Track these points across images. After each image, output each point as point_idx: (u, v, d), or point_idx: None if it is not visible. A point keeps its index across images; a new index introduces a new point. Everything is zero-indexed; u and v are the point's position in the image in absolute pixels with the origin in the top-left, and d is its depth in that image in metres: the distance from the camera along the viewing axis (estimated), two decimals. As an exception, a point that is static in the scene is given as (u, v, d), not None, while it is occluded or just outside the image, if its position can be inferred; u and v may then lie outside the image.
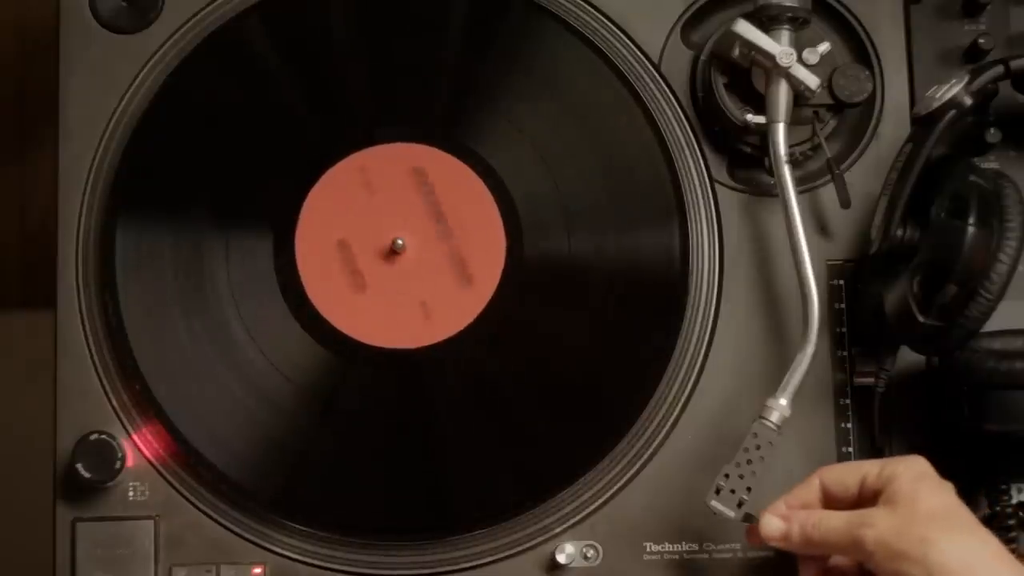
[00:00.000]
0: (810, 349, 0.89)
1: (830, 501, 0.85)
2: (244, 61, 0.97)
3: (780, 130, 0.92)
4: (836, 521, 0.82)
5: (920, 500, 0.80)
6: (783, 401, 0.89)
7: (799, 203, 0.91)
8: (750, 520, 0.87)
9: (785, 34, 0.92)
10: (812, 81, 0.91)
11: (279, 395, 0.92)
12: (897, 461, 0.83)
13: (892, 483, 0.82)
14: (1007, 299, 0.85)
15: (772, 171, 0.94)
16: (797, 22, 0.92)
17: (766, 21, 0.92)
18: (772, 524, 0.85)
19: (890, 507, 0.80)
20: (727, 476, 0.87)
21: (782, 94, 0.92)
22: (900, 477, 0.82)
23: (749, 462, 0.87)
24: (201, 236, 0.94)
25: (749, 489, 0.87)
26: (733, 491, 0.87)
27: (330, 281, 0.94)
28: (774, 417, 0.88)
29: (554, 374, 0.93)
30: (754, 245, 0.95)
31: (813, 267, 0.90)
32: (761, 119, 0.93)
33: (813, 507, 0.86)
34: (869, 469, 0.84)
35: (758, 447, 0.88)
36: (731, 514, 0.87)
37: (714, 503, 0.87)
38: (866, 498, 0.83)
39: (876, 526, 0.79)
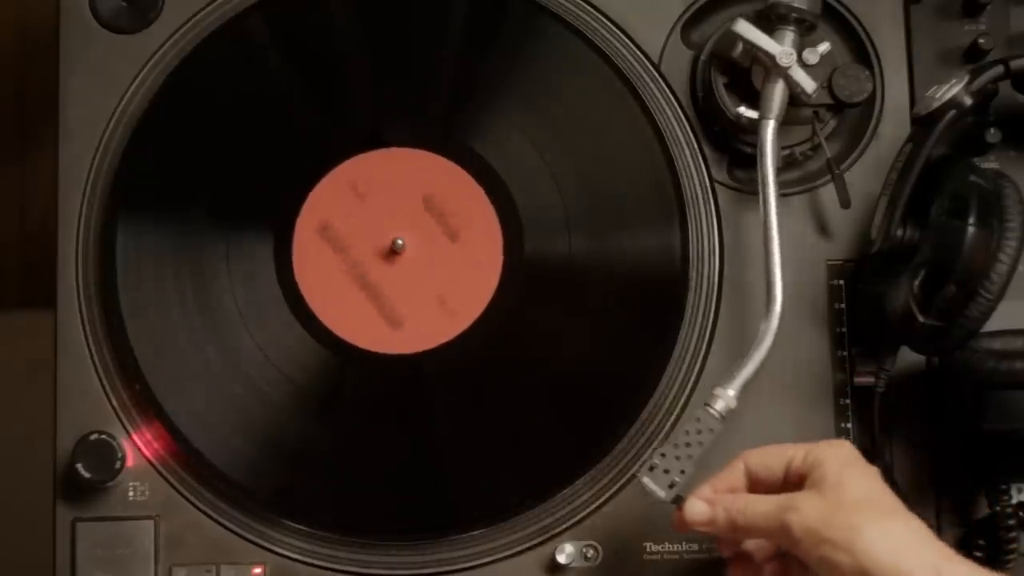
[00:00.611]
0: (766, 344, 0.89)
1: (755, 484, 0.85)
2: (244, 61, 0.97)
3: (770, 127, 0.91)
4: (762, 506, 0.81)
5: (846, 486, 0.80)
6: (731, 392, 0.88)
7: (780, 203, 0.91)
8: (679, 502, 0.86)
9: (789, 35, 0.92)
10: (809, 85, 0.91)
11: (279, 395, 0.93)
12: (823, 446, 0.83)
13: (818, 468, 0.81)
14: (1007, 299, 0.85)
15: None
16: (804, 25, 0.92)
17: (774, 19, 0.92)
18: (696, 508, 0.84)
19: (816, 492, 0.80)
20: (663, 455, 0.87)
21: (777, 93, 0.92)
22: (826, 462, 0.81)
23: (688, 445, 0.87)
24: (201, 236, 0.94)
25: (683, 472, 0.86)
26: (667, 471, 0.86)
27: (329, 282, 0.94)
28: (719, 406, 0.88)
29: (554, 374, 0.93)
30: (754, 245, 0.95)
31: (781, 266, 0.90)
32: (753, 114, 0.93)
33: (739, 491, 0.85)
34: (795, 453, 0.83)
35: (699, 432, 0.87)
36: (661, 494, 0.86)
37: (645, 479, 0.87)
38: (791, 482, 0.83)
39: (802, 511, 0.79)
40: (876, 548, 0.76)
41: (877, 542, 0.76)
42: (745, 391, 0.94)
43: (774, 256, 0.90)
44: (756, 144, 0.95)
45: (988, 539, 0.92)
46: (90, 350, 0.94)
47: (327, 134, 0.95)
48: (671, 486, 0.86)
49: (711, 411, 0.87)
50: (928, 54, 0.98)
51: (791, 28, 0.92)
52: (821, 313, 0.95)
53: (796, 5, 0.91)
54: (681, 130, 0.97)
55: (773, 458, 0.84)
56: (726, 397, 0.88)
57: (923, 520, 0.91)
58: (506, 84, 0.96)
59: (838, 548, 0.77)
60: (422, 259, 0.94)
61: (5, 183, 1.52)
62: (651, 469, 0.86)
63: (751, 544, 0.87)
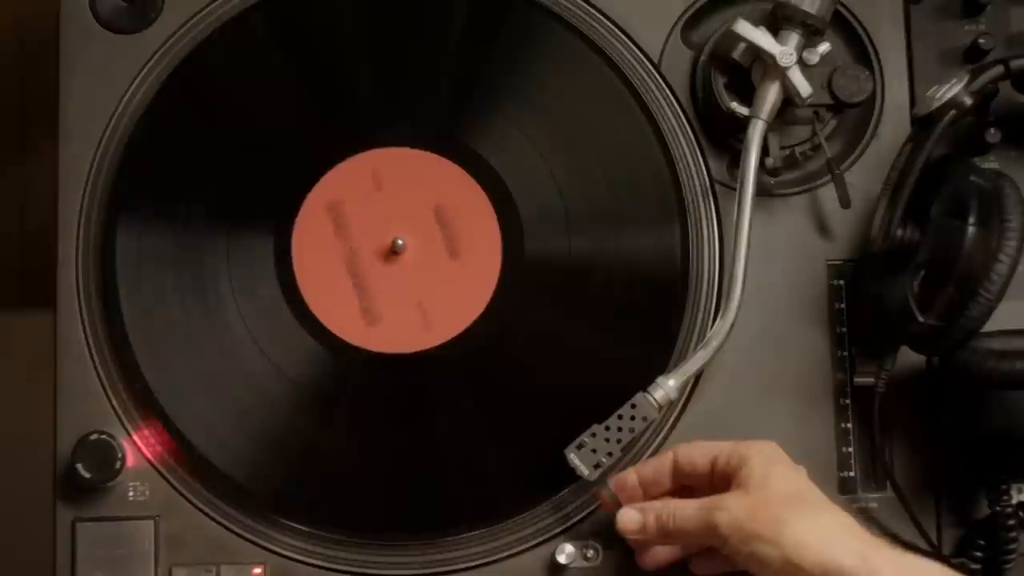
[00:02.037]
0: (717, 340, 0.90)
1: (679, 476, 0.87)
2: (244, 61, 0.97)
3: (758, 127, 0.92)
4: (689, 509, 0.83)
5: (772, 482, 0.81)
6: (672, 383, 0.89)
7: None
8: (601, 484, 0.88)
9: (794, 37, 0.92)
10: (804, 89, 0.91)
11: (279, 395, 0.93)
12: (748, 445, 0.84)
13: (743, 467, 0.82)
14: (1007, 299, 0.85)
15: (771, 170, 0.94)
16: (810, 29, 0.92)
17: (781, 19, 0.92)
18: (628, 517, 0.86)
19: (742, 490, 0.81)
20: (594, 435, 0.88)
21: (772, 93, 0.92)
22: (751, 460, 0.83)
23: (619, 429, 0.88)
24: (201, 236, 0.94)
25: (610, 455, 0.88)
26: (595, 451, 0.88)
27: (329, 282, 0.94)
28: (658, 395, 0.89)
29: (554, 374, 0.93)
30: (754, 245, 0.95)
31: (746, 264, 0.91)
32: (745, 110, 0.93)
33: (663, 480, 0.87)
34: (720, 450, 0.85)
35: (632, 418, 0.88)
36: (585, 472, 0.88)
37: (572, 456, 0.88)
38: (717, 480, 0.84)
39: (729, 509, 0.80)
40: (803, 539, 0.77)
41: (804, 534, 0.78)
42: (745, 392, 0.94)
43: (740, 256, 0.90)
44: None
45: (988, 539, 0.92)
46: (90, 350, 0.94)
47: (326, 134, 0.95)
48: (596, 466, 0.88)
49: (649, 399, 0.88)
50: (928, 54, 0.98)
51: (797, 31, 0.92)
52: (821, 313, 0.95)
53: (804, 9, 0.91)
54: (681, 130, 0.97)
55: (698, 453, 0.86)
56: (667, 387, 0.89)
57: (923, 520, 0.91)
58: (506, 84, 0.96)
59: (766, 542, 0.78)
60: (422, 259, 0.94)
61: (5, 183, 1.52)
62: (580, 447, 0.88)
63: (663, 551, 0.88)
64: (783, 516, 0.78)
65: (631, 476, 0.88)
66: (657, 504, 0.85)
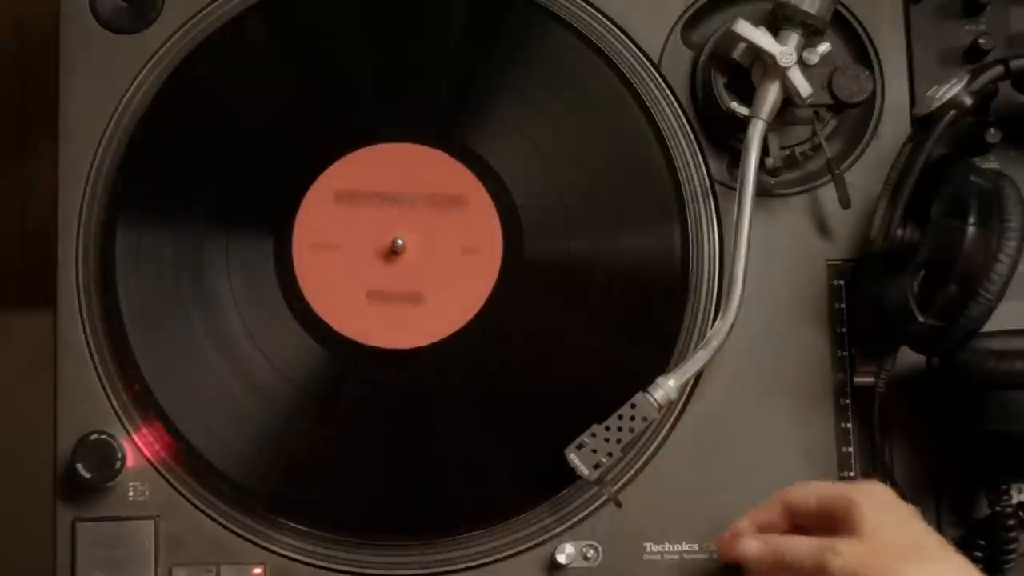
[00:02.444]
0: (717, 341, 0.90)
1: (791, 516, 0.86)
2: (244, 61, 0.97)
3: (758, 127, 0.91)
4: (804, 546, 0.82)
5: (885, 530, 0.80)
6: (672, 383, 0.89)
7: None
8: (601, 485, 0.89)
9: (794, 37, 0.92)
10: (804, 89, 0.91)
11: (279, 395, 0.92)
12: (857, 489, 0.83)
13: (854, 511, 0.81)
14: (1007, 299, 0.85)
15: (771, 170, 0.94)
16: (810, 30, 0.92)
17: (781, 19, 0.92)
18: (748, 544, 0.85)
19: (856, 537, 0.80)
20: (594, 435, 0.89)
21: (771, 93, 0.92)
22: (861, 506, 0.81)
23: (619, 429, 0.89)
24: (201, 236, 0.94)
25: (610, 455, 0.88)
26: (595, 451, 0.88)
27: (329, 281, 0.94)
28: (658, 395, 0.89)
29: (553, 374, 0.93)
30: (754, 245, 0.95)
31: (747, 268, 0.90)
32: (744, 110, 0.93)
33: (778, 526, 0.86)
34: (828, 491, 0.84)
35: (632, 417, 0.89)
36: (585, 472, 0.88)
37: (572, 456, 0.88)
38: (823, 519, 0.83)
39: (842, 554, 0.79)
40: None
41: None
42: (745, 392, 0.94)
43: (740, 256, 0.90)
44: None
45: (988, 539, 0.91)
46: (90, 350, 0.94)
47: (326, 133, 0.95)
48: (596, 466, 0.88)
49: (649, 399, 0.88)
50: (928, 54, 0.98)
51: (797, 31, 0.92)
52: (821, 313, 0.95)
53: (804, 9, 0.91)
54: (681, 130, 0.97)
55: (810, 490, 0.85)
56: (666, 387, 0.89)
57: (924, 521, 0.91)
58: (506, 84, 0.96)
59: None
60: (422, 258, 0.94)
61: (5, 183, 1.52)
62: (580, 447, 0.88)
63: None
64: (897, 568, 0.77)
65: (746, 524, 0.87)
66: (776, 536, 0.85)
